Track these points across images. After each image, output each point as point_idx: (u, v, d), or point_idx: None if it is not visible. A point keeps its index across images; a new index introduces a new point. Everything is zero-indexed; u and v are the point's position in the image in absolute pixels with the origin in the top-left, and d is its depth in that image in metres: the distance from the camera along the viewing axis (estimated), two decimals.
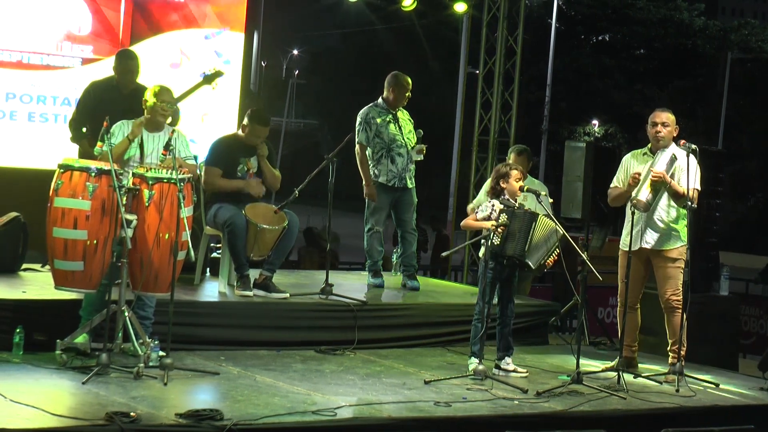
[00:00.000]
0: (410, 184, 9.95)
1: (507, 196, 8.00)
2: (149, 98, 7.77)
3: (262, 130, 8.81)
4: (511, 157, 9.77)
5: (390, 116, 9.85)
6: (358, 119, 9.87)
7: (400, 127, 9.87)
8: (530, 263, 7.93)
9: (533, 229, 7.88)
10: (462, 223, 8.30)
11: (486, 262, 7.83)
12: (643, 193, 8.23)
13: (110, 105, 8.40)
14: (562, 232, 7.98)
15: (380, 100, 9.93)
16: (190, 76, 10.58)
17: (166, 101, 7.78)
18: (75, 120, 9.03)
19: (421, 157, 9.93)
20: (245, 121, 8.87)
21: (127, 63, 8.88)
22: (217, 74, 9.61)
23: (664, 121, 8.43)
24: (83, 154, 8.50)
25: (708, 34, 37.02)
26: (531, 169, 10.07)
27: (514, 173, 8.07)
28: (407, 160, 9.85)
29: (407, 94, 9.90)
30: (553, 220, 7.94)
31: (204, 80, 9.56)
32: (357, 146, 9.82)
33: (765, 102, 36.44)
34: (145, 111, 7.79)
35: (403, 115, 9.99)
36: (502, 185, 8.06)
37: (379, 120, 9.80)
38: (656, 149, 8.42)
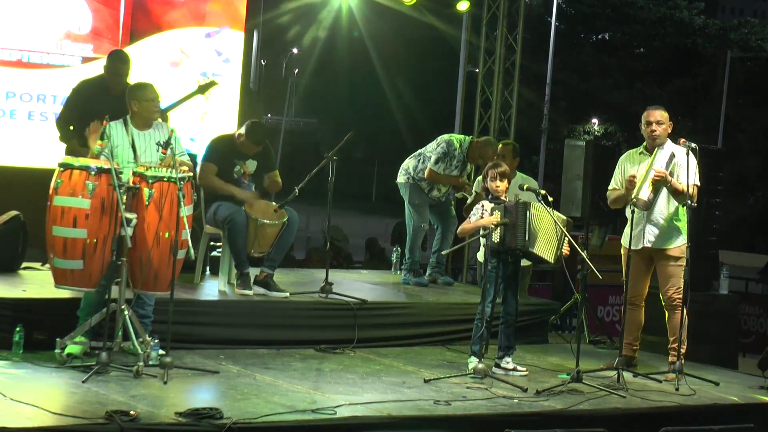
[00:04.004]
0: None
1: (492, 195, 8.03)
2: (133, 102, 7.67)
3: (254, 148, 8.88)
4: (488, 152, 9.97)
5: (462, 167, 10.36)
6: (445, 148, 10.23)
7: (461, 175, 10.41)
8: (537, 252, 7.92)
9: (529, 218, 7.88)
10: (458, 231, 8.26)
11: (486, 262, 7.82)
12: (644, 192, 8.22)
13: (99, 105, 8.16)
14: (564, 219, 7.97)
15: (467, 142, 10.31)
16: (190, 75, 10.61)
17: (150, 99, 7.70)
18: (62, 118, 8.84)
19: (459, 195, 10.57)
20: (243, 129, 8.88)
21: (117, 66, 8.66)
22: (212, 84, 9.59)
23: (659, 119, 8.41)
24: (71, 153, 8.27)
25: (708, 33, 37.05)
26: (531, 168, 10.14)
27: (491, 172, 8.06)
28: (443, 195, 10.46)
29: (482, 162, 10.21)
30: (549, 212, 7.91)
31: (198, 90, 9.50)
32: (428, 171, 10.20)
33: (765, 101, 36.43)
34: (131, 113, 7.70)
35: (469, 169, 10.63)
36: (485, 185, 8.09)
37: (455, 161, 10.24)
38: (652, 148, 8.41)
